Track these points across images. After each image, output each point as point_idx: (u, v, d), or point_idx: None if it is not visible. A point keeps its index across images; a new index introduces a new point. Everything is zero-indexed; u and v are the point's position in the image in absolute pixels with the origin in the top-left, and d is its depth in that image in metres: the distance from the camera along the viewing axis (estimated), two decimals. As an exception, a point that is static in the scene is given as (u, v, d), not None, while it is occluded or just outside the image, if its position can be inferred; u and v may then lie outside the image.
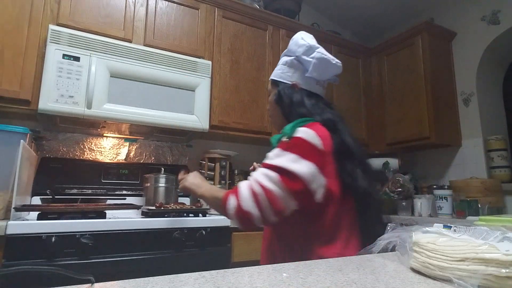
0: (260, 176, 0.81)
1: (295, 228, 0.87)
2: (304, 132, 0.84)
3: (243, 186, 0.82)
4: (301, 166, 0.79)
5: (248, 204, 0.79)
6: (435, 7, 2.83)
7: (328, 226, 0.85)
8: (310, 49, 0.97)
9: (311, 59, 0.96)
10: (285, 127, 0.90)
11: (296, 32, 1.06)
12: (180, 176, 1.18)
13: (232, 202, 0.81)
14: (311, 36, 1.03)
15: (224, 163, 2.16)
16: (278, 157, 0.82)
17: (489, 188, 2.15)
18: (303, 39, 0.99)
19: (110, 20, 1.85)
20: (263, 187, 0.79)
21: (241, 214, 0.80)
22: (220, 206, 0.86)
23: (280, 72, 1.02)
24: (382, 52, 2.85)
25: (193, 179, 1.08)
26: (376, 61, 2.90)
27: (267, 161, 0.85)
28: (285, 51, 1.05)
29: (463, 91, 2.58)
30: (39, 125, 1.86)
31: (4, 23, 1.59)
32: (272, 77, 1.05)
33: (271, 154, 0.86)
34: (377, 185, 0.97)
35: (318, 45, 0.99)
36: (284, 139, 0.86)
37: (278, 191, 0.78)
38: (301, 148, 0.82)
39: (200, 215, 1.60)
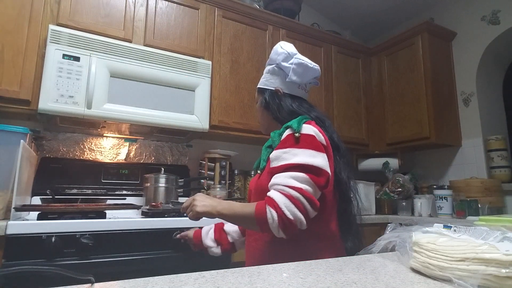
0: (289, 180, 0.79)
1: None
2: (310, 129, 0.87)
3: (277, 195, 0.78)
4: (320, 160, 0.83)
5: (292, 210, 0.76)
6: (435, 7, 2.83)
7: (328, 205, 0.91)
8: (288, 56, 1.03)
9: (290, 65, 1.01)
10: (291, 122, 0.90)
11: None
12: (184, 205, 1.01)
13: (273, 214, 0.77)
14: (291, 45, 1.08)
15: (224, 163, 2.16)
16: (295, 156, 0.82)
17: (489, 188, 2.15)
18: (282, 47, 1.05)
19: (110, 20, 1.85)
20: (297, 189, 0.77)
21: (287, 223, 0.76)
22: (256, 220, 0.80)
23: (264, 80, 1.08)
24: (382, 52, 2.84)
25: (202, 202, 0.93)
26: (376, 61, 2.90)
27: (283, 162, 0.83)
28: (267, 61, 1.11)
29: (463, 91, 2.58)
30: (39, 125, 1.86)
31: (4, 23, 1.58)
32: (258, 85, 1.11)
33: (283, 154, 0.84)
34: (353, 179, 1.01)
35: (296, 52, 1.05)
36: (295, 134, 0.86)
37: (310, 189, 0.79)
38: (313, 143, 0.85)
39: (200, 215, 1.59)
